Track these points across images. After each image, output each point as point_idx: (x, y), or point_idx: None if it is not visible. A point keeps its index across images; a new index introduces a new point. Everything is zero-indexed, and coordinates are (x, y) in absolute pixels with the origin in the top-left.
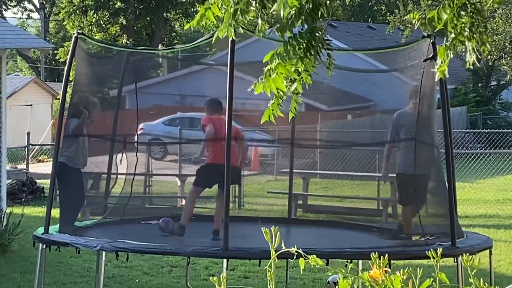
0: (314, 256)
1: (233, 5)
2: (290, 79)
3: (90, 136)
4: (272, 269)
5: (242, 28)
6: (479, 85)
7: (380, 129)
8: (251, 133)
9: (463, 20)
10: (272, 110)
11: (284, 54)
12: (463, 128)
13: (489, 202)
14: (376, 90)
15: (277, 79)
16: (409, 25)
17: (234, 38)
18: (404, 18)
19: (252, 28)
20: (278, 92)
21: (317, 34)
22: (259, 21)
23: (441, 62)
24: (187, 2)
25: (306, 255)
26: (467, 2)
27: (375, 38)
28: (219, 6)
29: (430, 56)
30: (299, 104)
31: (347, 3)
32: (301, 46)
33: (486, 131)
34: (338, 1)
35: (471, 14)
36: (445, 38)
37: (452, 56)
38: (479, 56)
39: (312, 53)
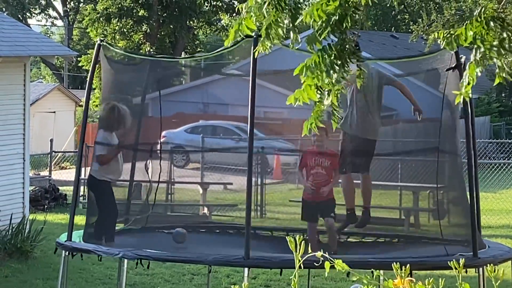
0: (340, 261)
1: (265, 18)
2: (326, 91)
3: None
4: (296, 277)
5: (276, 41)
6: (503, 95)
7: (402, 138)
8: (273, 141)
9: (491, 34)
10: (311, 123)
11: (313, 66)
12: (486, 138)
13: None
14: (399, 99)
15: (309, 89)
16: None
17: (269, 50)
18: (427, 28)
19: (282, 39)
20: (317, 105)
21: (347, 46)
22: (291, 34)
23: (468, 82)
24: (210, 11)
25: (332, 260)
26: (495, 16)
27: (398, 47)
28: (254, 20)
29: (453, 65)
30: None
31: (371, 6)
32: (331, 58)
33: (510, 141)
34: (364, 14)
35: (499, 28)
36: (473, 53)
37: (480, 74)
38: (510, 71)
39: (341, 64)
